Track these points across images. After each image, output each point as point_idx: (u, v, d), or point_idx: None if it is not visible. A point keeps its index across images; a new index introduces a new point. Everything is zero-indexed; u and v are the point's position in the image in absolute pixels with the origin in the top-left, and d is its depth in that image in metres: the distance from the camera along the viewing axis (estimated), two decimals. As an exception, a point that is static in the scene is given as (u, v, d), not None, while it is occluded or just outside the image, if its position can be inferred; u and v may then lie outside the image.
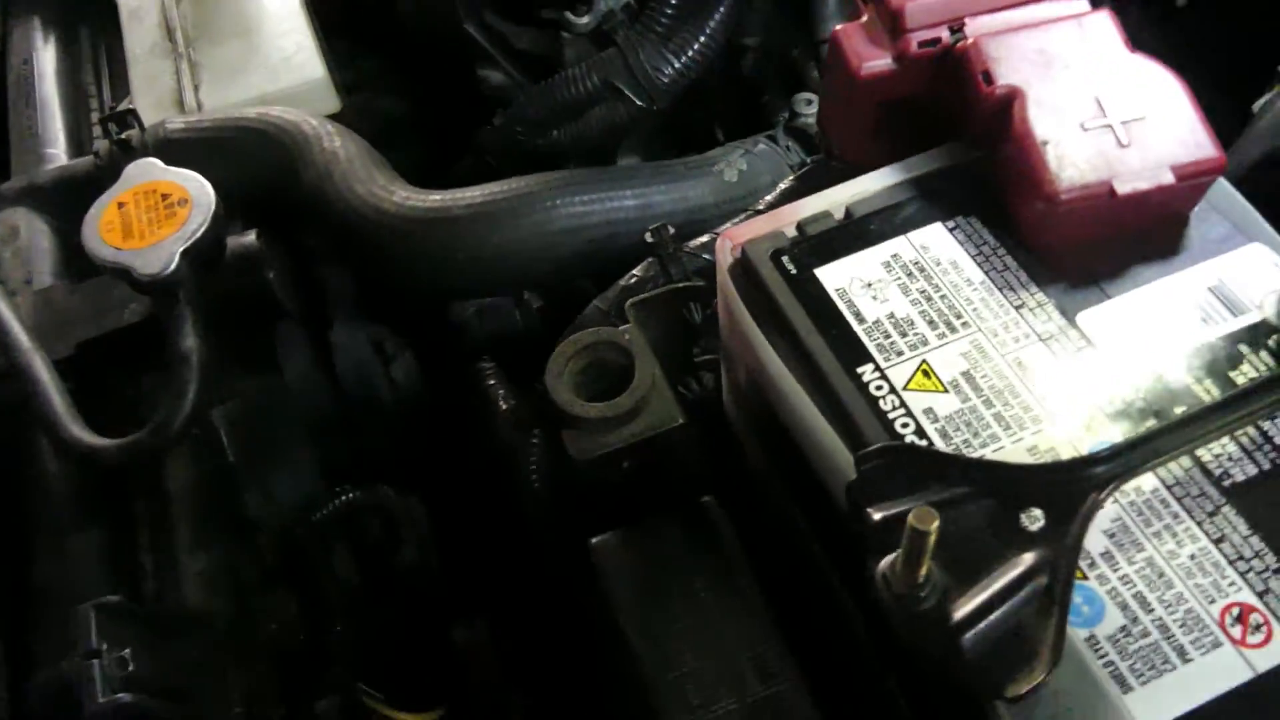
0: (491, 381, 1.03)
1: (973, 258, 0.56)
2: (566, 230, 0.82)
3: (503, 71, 0.99)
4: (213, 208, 0.73)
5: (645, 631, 0.55)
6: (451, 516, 1.04)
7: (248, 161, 0.86)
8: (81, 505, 0.72)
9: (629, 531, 0.60)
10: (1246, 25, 0.73)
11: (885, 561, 0.44)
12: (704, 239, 0.72)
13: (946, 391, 0.52)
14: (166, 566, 0.76)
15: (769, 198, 0.74)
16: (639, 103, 0.88)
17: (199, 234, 0.72)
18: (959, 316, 0.54)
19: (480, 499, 1.01)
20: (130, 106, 0.87)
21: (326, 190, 0.82)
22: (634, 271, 0.71)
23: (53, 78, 1.04)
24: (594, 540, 0.60)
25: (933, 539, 0.41)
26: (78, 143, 0.99)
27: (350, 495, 0.90)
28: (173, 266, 0.70)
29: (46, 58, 1.06)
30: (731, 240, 0.60)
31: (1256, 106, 0.64)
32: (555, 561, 0.68)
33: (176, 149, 0.86)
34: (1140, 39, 0.88)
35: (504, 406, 1.01)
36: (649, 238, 0.70)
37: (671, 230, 0.70)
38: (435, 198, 0.81)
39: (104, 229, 0.72)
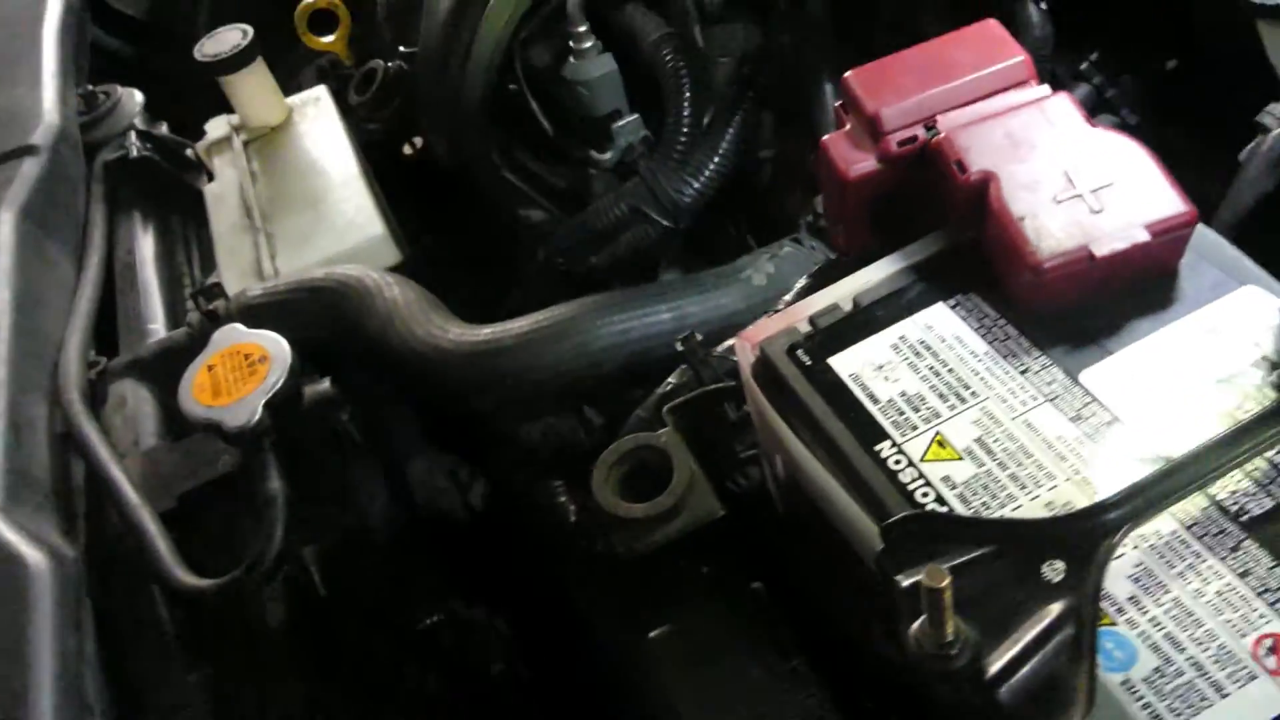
0: (562, 499, 1.08)
1: (975, 330, 0.59)
2: (608, 349, 0.88)
3: (540, 209, 1.07)
4: (289, 362, 0.81)
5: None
6: (530, 628, 1.07)
7: (318, 316, 0.95)
8: (186, 643, 0.79)
9: (684, 622, 0.63)
10: (1229, 83, 0.76)
11: (915, 625, 0.47)
12: (730, 342, 0.77)
13: (962, 459, 0.55)
14: (267, 698, 0.82)
15: (787, 297, 0.79)
16: (665, 223, 0.95)
17: (278, 386, 0.80)
18: (967, 387, 0.57)
19: (557, 610, 1.04)
20: (217, 280, 0.97)
21: (389, 336, 0.90)
22: (669, 379, 0.76)
23: (152, 263, 1.16)
24: (651, 635, 0.63)
25: (948, 595, 0.44)
26: (174, 317, 1.10)
27: (438, 617, 0.95)
28: (256, 418, 0.78)
29: (146, 245, 1.19)
30: (749, 340, 0.65)
31: (1242, 156, 0.67)
32: (618, 656, 0.71)
33: (257, 313, 0.96)
34: (1137, 103, 0.92)
35: (574, 520, 1.05)
36: (679, 346, 0.75)
37: (699, 337, 0.75)
38: (486, 332, 0.88)
39: (196, 390, 0.81)
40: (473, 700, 0.99)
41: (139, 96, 1.33)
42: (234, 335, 0.85)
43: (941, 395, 0.57)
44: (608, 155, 0.97)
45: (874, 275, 0.64)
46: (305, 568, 0.94)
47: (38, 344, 0.96)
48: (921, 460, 0.55)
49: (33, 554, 0.73)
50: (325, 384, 0.88)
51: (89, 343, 0.99)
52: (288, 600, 0.88)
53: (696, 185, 0.94)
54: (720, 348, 0.76)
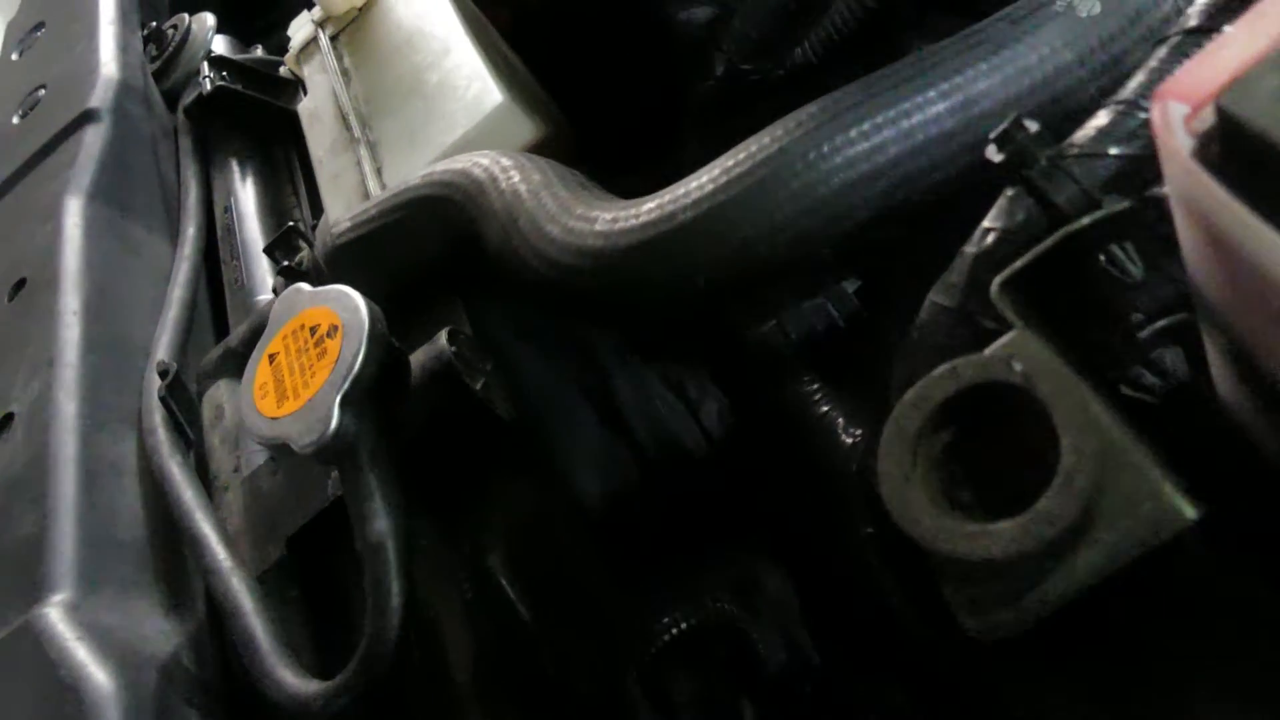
0: (825, 407, 0.75)
1: None
2: (851, 184, 0.51)
3: (706, 2, 0.70)
4: (365, 328, 0.53)
5: None
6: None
7: (422, 238, 0.66)
8: None
9: None
10: None
11: None
12: (1101, 121, 0.38)
13: None
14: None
15: (1199, 5, 0.38)
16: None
17: (356, 369, 0.52)
18: None
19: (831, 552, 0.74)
20: (294, 224, 0.71)
21: (514, 243, 0.59)
22: (986, 223, 0.39)
23: (254, 216, 0.93)
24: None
25: None
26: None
27: (683, 625, 0.66)
28: (333, 425, 0.51)
29: (246, 196, 0.95)
30: (1184, 98, 0.28)
31: None
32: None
33: (348, 254, 0.68)
34: None
35: (848, 440, 0.73)
36: (995, 153, 0.38)
37: (1032, 127, 0.37)
38: (649, 206, 0.55)
39: (258, 395, 0.55)
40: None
41: (210, 20, 1.08)
42: (295, 302, 0.58)
43: None
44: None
45: None
46: (496, 583, 0.69)
47: (119, 358, 0.75)
48: None
49: (98, 676, 0.51)
50: (441, 340, 0.59)
51: (183, 343, 0.77)
52: (472, 631, 0.63)
53: None
54: (1078, 138, 0.38)
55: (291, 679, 0.49)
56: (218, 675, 0.57)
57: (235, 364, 0.72)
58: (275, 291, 0.71)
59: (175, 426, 0.67)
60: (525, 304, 0.61)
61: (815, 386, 0.77)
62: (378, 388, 0.53)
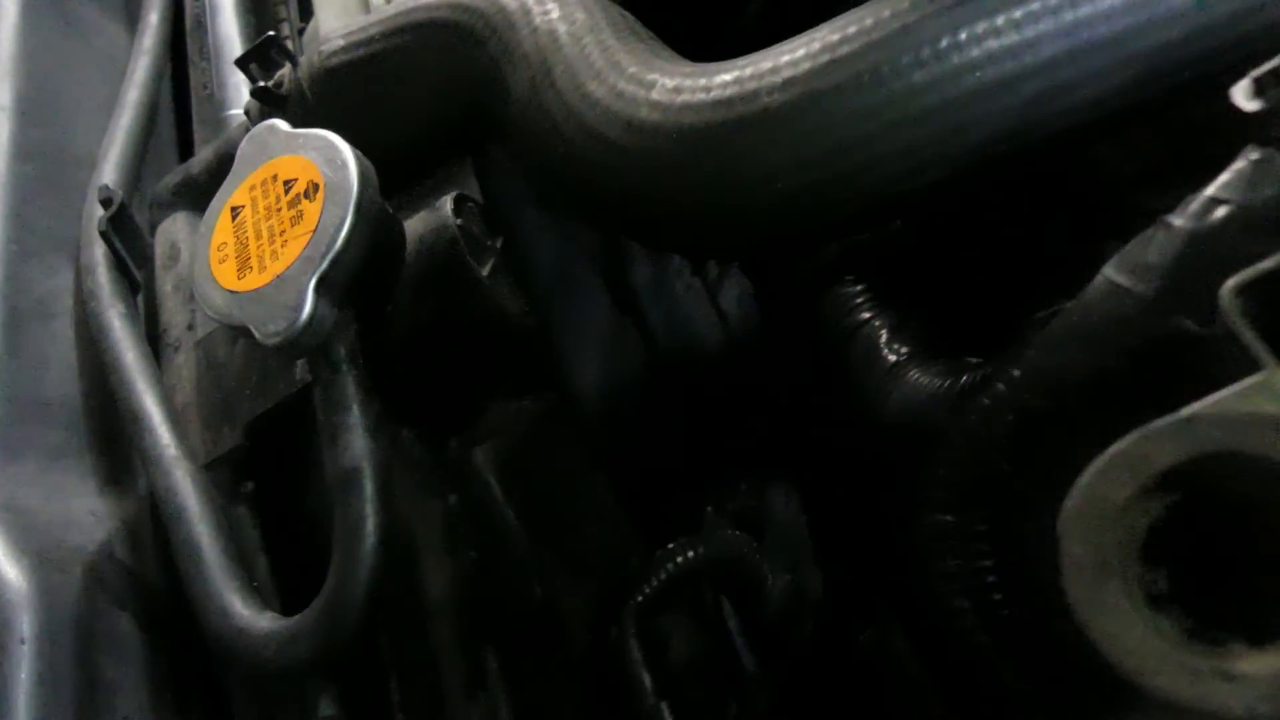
0: (866, 314, 0.66)
1: None
2: (989, 87, 0.40)
3: None
4: (354, 194, 0.42)
5: None
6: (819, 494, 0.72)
7: (430, 75, 0.54)
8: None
9: None
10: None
11: None
12: None
13: None
14: (434, 726, 0.51)
15: None
16: None
17: (338, 247, 0.41)
18: None
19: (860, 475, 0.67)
20: (272, 34, 0.58)
21: (544, 101, 0.47)
22: (1214, 191, 0.28)
23: (231, 8, 0.78)
24: None
25: None
26: (267, 92, 0.72)
27: (687, 555, 0.59)
28: (305, 313, 0.40)
29: (222, -17, 0.80)
30: None
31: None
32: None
33: (338, 82, 0.56)
34: None
35: (890, 358, 0.64)
36: (1248, 98, 0.27)
37: None
38: (725, 78, 0.43)
39: (215, 258, 0.45)
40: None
41: None
42: (267, 144, 0.46)
43: None
44: None
45: None
46: (483, 489, 0.61)
47: (57, 171, 0.63)
48: None
49: (9, 574, 0.43)
50: (445, 210, 0.48)
51: (136, 160, 0.65)
52: (451, 556, 0.56)
53: None
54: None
55: (241, 608, 0.41)
56: (160, 572, 0.49)
57: (196, 195, 0.60)
58: (248, 116, 0.58)
59: (119, 266, 0.56)
60: (540, 188, 0.49)
61: (858, 289, 0.68)
62: (364, 271, 0.42)
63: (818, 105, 0.41)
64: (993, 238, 0.69)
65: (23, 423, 0.50)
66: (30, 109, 0.62)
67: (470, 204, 0.50)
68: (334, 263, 0.41)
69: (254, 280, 0.42)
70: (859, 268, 0.70)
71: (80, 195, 0.61)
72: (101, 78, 0.70)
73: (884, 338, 0.67)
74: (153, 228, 0.61)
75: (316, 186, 0.43)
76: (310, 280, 0.41)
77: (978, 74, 0.40)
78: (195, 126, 0.72)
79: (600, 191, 0.46)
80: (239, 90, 0.72)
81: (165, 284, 0.57)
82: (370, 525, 0.39)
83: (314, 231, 0.42)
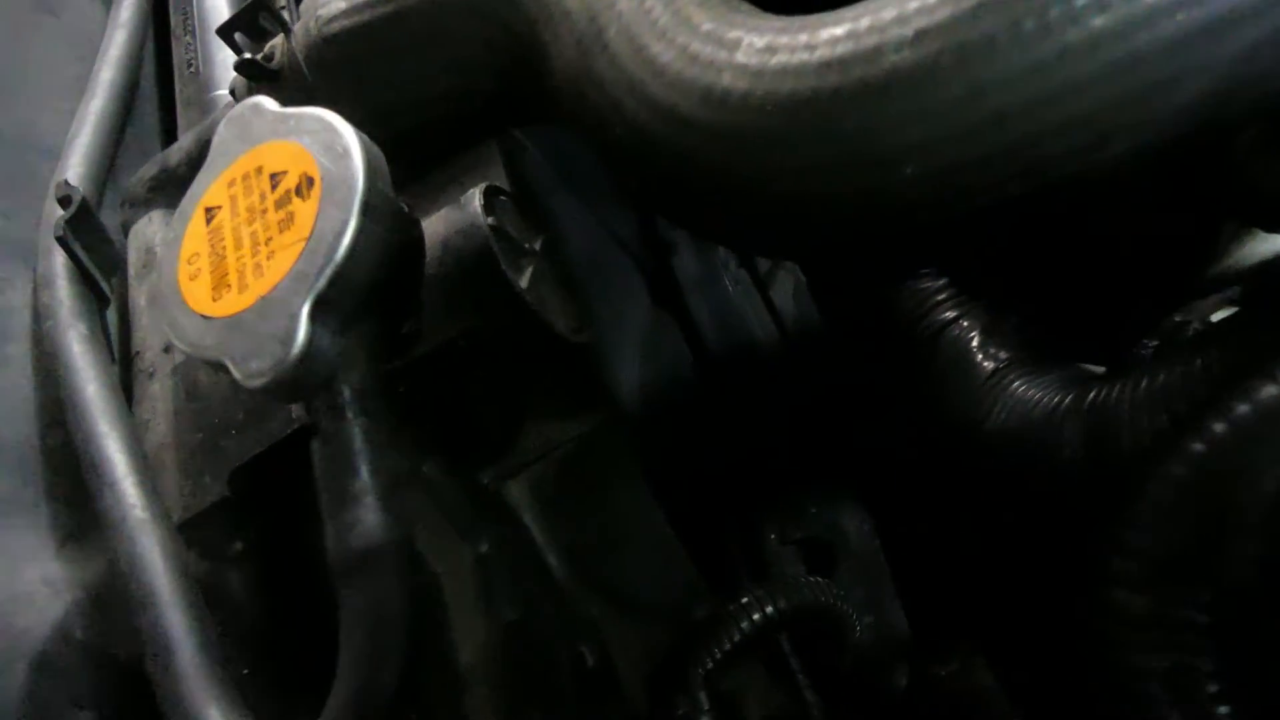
0: (952, 313, 0.58)
1: None
2: (1192, 36, 0.30)
3: None
4: (359, 191, 0.32)
5: None
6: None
7: (453, 45, 0.44)
8: None
9: None
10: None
11: None
12: None
13: None
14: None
15: None
16: None
17: (338, 260, 0.32)
18: None
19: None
20: (263, -5, 0.49)
21: (597, 69, 0.38)
22: None
23: (220, -25, 0.68)
24: None
25: None
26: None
27: (765, 611, 0.50)
28: (297, 347, 0.31)
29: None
30: None
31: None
32: None
33: (340, 55, 0.46)
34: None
35: (987, 365, 0.56)
36: None
37: None
38: (836, 32, 0.33)
39: (185, 273, 0.35)
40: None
41: None
42: (250, 126, 0.36)
43: None
44: None
45: None
46: (520, 522, 0.51)
47: (17, 162, 0.53)
48: None
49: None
50: (473, 206, 0.38)
51: (108, 152, 0.55)
52: (485, 608, 0.46)
53: None
54: None
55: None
56: (129, 654, 0.40)
57: (175, 190, 0.51)
58: (234, 96, 0.49)
59: (82, 278, 0.47)
60: (611, 158, 0.39)
61: (940, 283, 0.58)
62: (373, 289, 0.33)
63: (962, 63, 0.32)
64: (1101, 227, 0.60)
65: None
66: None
67: (503, 197, 0.40)
68: (334, 280, 0.31)
69: (233, 303, 0.33)
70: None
71: (43, 191, 0.52)
72: (73, 55, 0.60)
73: (976, 340, 0.57)
74: (125, 228, 0.52)
75: (311, 181, 0.33)
76: (304, 304, 0.31)
77: (1179, 17, 0.30)
78: (179, 109, 0.62)
79: (671, 179, 0.36)
80: (228, 67, 0.63)
81: (140, 296, 0.48)
82: (388, 619, 0.30)
83: (308, 239, 0.32)
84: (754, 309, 0.72)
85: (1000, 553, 0.56)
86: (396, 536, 0.31)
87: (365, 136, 0.34)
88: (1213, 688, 0.31)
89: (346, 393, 0.32)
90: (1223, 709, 0.30)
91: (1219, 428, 0.32)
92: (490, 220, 0.38)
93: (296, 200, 0.33)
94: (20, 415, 0.45)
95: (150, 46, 0.68)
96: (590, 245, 0.61)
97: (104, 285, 0.48)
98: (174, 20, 0.67)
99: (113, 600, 0.42)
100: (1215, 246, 0.56)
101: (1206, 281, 0.58)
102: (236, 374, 0.32)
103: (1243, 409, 0.32)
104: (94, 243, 0.47)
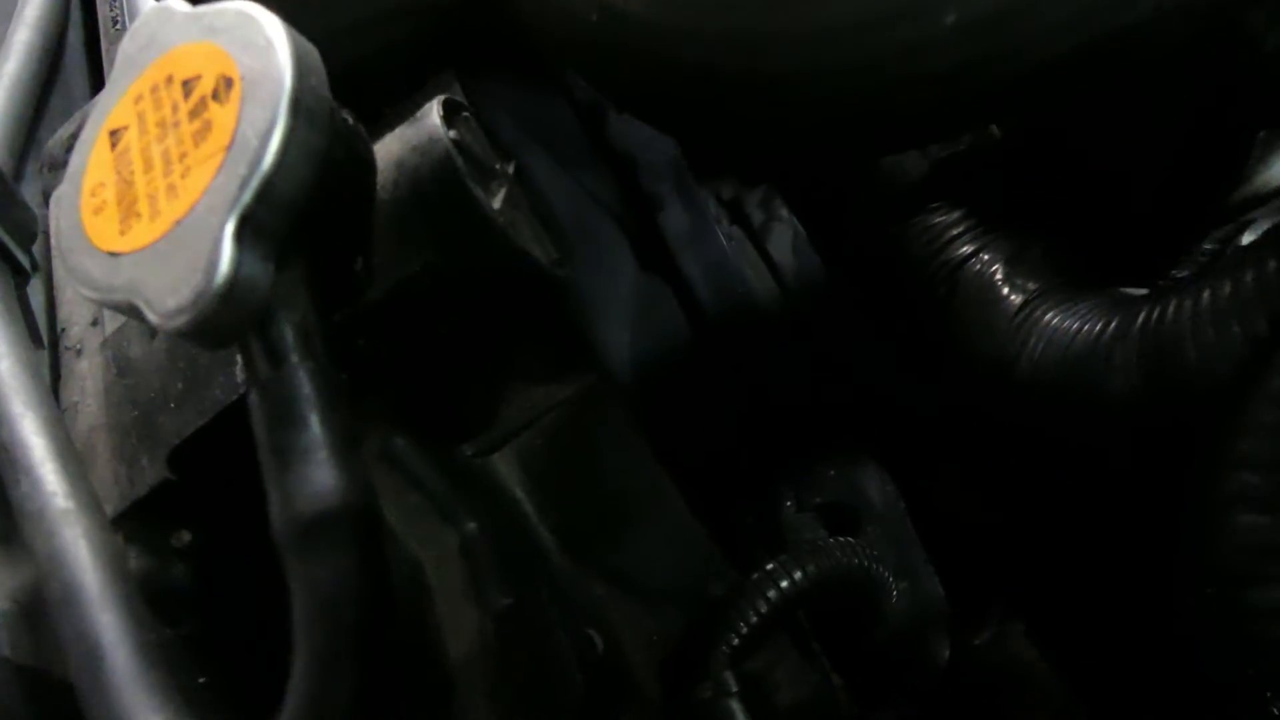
0: (972, 246, 0.53)
1: None
2: None
3: None
4: (286, 84, 0.27)
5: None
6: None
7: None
8: None
9: None
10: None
11: None
12: None
13: None
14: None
15: None
16: None
17: (265, 168, 0.26)
18: None
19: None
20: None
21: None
22: None
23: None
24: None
25: None
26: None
27: (793, 577, 0.45)
28: (221, 274, 0.25)
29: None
30: None
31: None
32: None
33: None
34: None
35: (1015, 298, 0.51)
36: None
37: None
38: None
39: (89, 207, 0.29)
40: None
41: None
42: (158, 30, 0.31)
43: None
44: None
45: None
46: (510, 497, 0.46)
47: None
48: None
49: None
50: (431, 118, 0.32)
51: (24, 114, 0.49)
52: (476, 602, 0.41)
53: None
54: None
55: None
56: (49, 683, 0.34)
57: (98, 149, 0.45)
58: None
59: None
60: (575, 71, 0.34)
61: (955, 215, 0.54)
62: (311, 204, 0.27)
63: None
64: (1124, 147, 0.55)
65: None
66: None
67: (465, 114, 0.35)
68: (261, 193, 0.26)
69: (144, 233, 0.27)
70: (950, 191, 0.56)
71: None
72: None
73: (1000, 272, 0.52)
74: (45, 195, 0.46)
75: (230, 82, 0.28)
76: (227, 223, 0.25)
77: None
78: (105, 69, 0.57)
79: (653, 62, 0.31)
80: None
81: (60, 266, 0.42)
82: (348, 603, 0.24)
83: (228, 148, 0.26)
84: (751, 265, 0.66)
85: (1041, 512, 0.51)
86: (356, 501, 0.25)
87: (294, 30, 0.28)
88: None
89: (288, 333, 0.27)
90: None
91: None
92: (452, 134, 0.32)
93: (214, 105, 0.27)
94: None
95: (77, 11, 0.62)
96: (568, 206, 0.55)
97: (21, 259, 0.42)
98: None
99: (38, 609, 0.36)
100: (1241, 171, 0.52)
101: (1232, 207, 0.53)
102: (152, 316, 0.26)
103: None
104: (10, 211, 0.41)
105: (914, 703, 0.50)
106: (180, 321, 0.26)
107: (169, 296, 0.26)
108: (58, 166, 0.47)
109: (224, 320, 0.26)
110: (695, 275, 0.62)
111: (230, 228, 0.26)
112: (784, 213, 0.67)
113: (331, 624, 0.25)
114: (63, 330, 0.41)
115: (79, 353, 0.40)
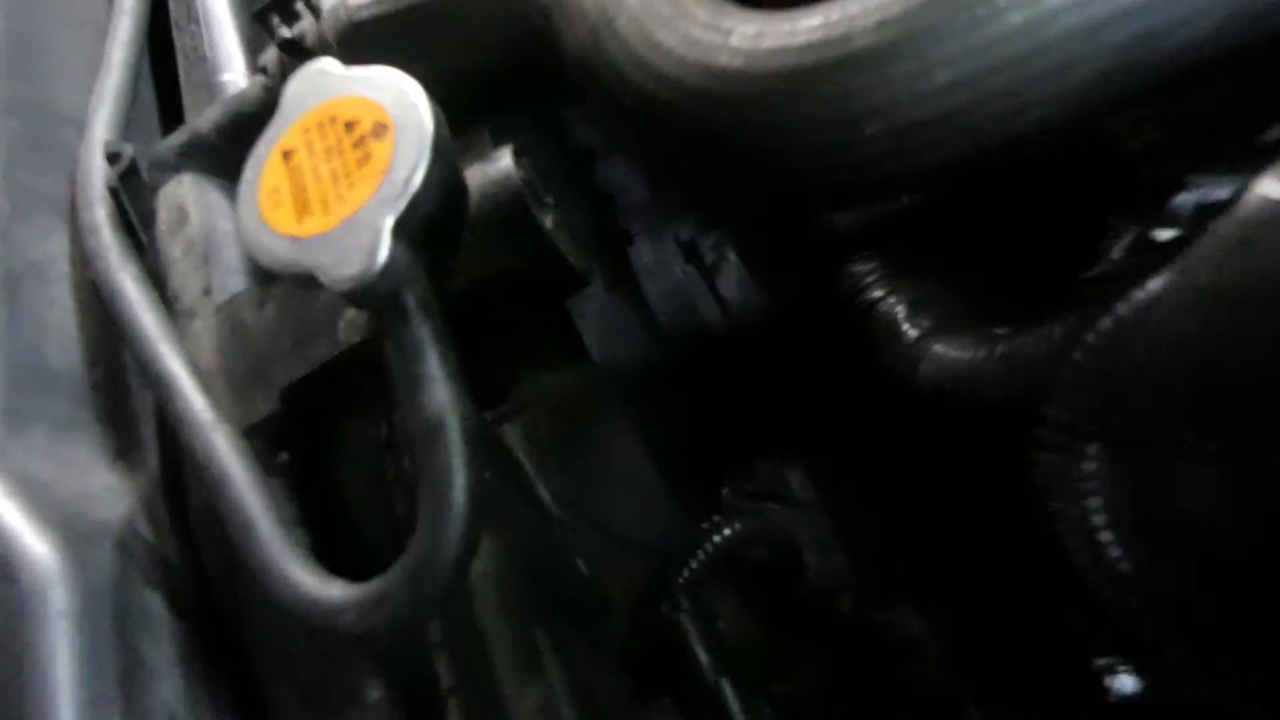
0: (881, 291, 0.66)
1: None
2: (1088, 28, 0.40)
3: None
4: (429, 131, 0.39)
5: None
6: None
7: (476, 31, 0.52)
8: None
9: None
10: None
11: None
12: None
13: None
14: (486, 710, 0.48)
15: None
16: None
17: (416, 185, 0.38)
18: None
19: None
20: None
21: (608, 52, 0.46)
22: None
23: (216, -27, 0.73)
24: None
25: None
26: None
27: (734, 527, 0.58)
28: (382, 256, 0.38)
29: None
30: None
31: None
32: None
33: (369, 38, 0.53)
34: None
35: (912, 333, 0.64)
36: None
37: None
38: (812, 23, 0.42)
39: (267, 204, 0.41)
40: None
41: None
42: (322, 84, 0.43)
43: None
44: None
45: None
46: (515, 460, 0.58)
47: (43, 129, 0.58)
48: None
49: (37, 549, 0.39)
50: (505, 160, 0.45)
51: (126, 120, 0.60)
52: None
53: None
54: None
55: (306, 576, 0.38)
56: (180, 551, 0.45)
57: (205, 156, 0.56)
58: (264, 72, 0.55)
59: (125, 227, 0.52)
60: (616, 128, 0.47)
61: (872, 265, 0.67)
62: (438, 217, 0.40)
63: (913, 46, 0.41)
64: (1012, 211, 0.70)
65: (27, 392, 0.45)
66: (9, 63, 0.57)
67: (525, 158, 0.48)
68: (411, 205, 0.38)
69: (318, 223, 0.39)
70: (870, 244, 0.69)
71: (67, 155, 0.57)
72: (83, 37, 0.65)
73: (903, 312, 0.66)
74: (153, 191, 0.56)
75: (384, 127, 0.40)
76: (387, 221, 0.38)
77: (1078, 13, 0.40)
78: (185, 91, 0.67)
79: (672, 138, 0.45)
80: (230, 55, 0.68)
81: (174, 249, 0.53)
82: (461, 479, 0.36)
83: (387, 172, 0.39)
84: (700, 296, 0.80)
85: (937, 497, 0.64)
86: (465, 411, 0.37)
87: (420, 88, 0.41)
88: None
89: (413, 302, 0.39)
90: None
91: (1104, 323, 0.41)
92: (522, 175, 0.45)
93: (372, 141, 0.40)
94: (68, 348, 0.49)
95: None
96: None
97: (142, 237, 0.53)
98: (174, 10, 0.72)
99: (159, 508, 0.47)
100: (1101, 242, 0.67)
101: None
102: (325, 280, 0.38)
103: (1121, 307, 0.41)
104: (137, 198, 0.52)
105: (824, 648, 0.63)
106: (349, 286, 0.38)
107: (341, 268, 0.38)
108: (166, 168, 0.58)
109: (377, 288, 0.38)
110: (655, 300, 0.75)
111: (389, 225, 0.38)
112: (731, 255, 0.81)
113: (439, 501, 0.37)
114: (174, 298, 0.52)
115: (193, 315, 0.51)
